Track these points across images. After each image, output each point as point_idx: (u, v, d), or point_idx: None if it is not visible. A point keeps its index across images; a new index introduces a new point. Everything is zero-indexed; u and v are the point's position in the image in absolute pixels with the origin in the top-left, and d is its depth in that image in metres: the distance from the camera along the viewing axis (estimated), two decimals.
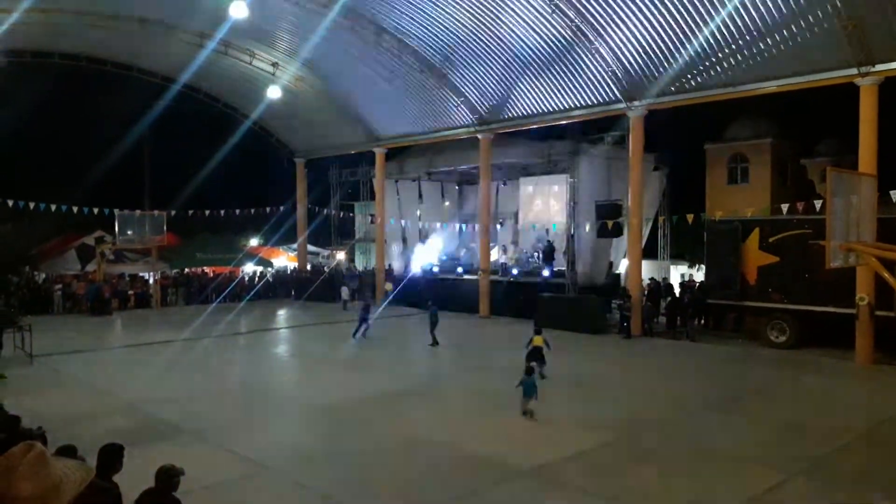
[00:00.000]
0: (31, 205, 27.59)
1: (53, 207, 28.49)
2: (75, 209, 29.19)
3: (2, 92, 31.24)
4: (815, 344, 18.37)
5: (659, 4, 17.85)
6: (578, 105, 22.64)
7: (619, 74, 20.68)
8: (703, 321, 22.34)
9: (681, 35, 18.19)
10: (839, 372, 16.03)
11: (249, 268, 36.23)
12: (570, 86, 22.18)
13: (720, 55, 18.40)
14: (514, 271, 27.02)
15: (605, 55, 20.28)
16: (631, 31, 19.13)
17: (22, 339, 17.06)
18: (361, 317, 20.22)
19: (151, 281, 30.72)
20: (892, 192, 18.86)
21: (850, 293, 16.72)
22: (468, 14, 21.11)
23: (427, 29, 22.63)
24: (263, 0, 21.95)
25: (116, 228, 28.18)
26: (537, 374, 12.50)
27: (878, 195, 13.48)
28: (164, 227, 29.31)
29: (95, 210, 29.24)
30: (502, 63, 22.65)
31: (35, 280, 29.95)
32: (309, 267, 36.28)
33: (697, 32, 17.77)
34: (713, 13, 17.19)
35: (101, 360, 17.75)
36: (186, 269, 34.09)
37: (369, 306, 20.48)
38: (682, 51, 18.42)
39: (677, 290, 24.06)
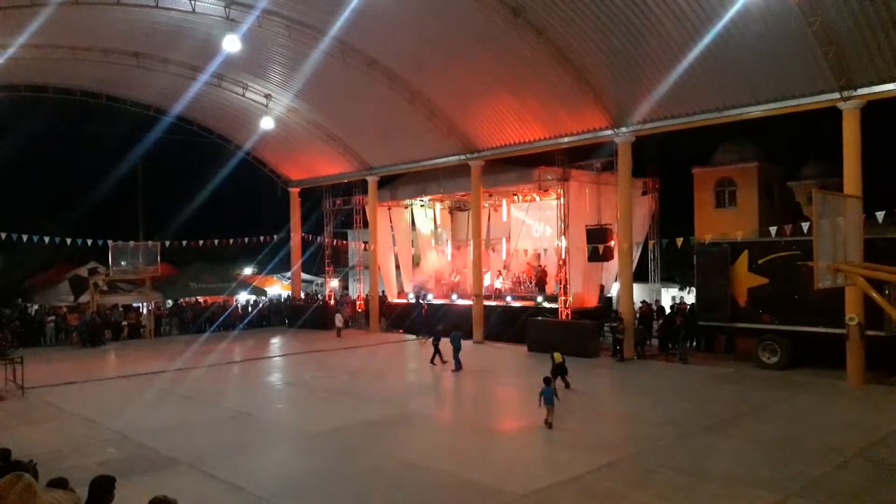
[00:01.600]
0: (25, 237, 27.54)
1: (47, 239, 28.45)
2: (69, 240, 29.15)
3: None
4: (806, 364, 18.47)
5: (642, 32, 18.23)
6: (566, 132, 22.97)
7: (605, 102, 21.04)
8: (694, 343, 22.43)
9: (665, 62, 18.54)
10: (832, 391, 16.09)
11: (243, 297, 36.19)
12: (558, 113, 22.49)
13: (704, 82, 18.76)
14: (508, 297, 27.15)
15: (592, 83, 20.66)
16: (616, 59, 19.50)
17: (13, 371, 16.94)
18: (436, 345, 20.36)
19: (145, 311, 30.61)
20: (877, 214, 19.12)
21: (840, 313, 16.84)
22: (456, 44, 21.45)
23: (416, 59, 22.96)
24: (257, 33, 22.30)
25: (110, 259, 28.19)
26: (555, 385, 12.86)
27: (863, 216, 13.68)
28: (158, 258, 29.31)
29: (89, 241, 29.22)
30: (491, 91, 22.97)
31: (27, 312, 29.80)
32: (303, 295, 36.27)
33: (681, 59, 18.11)
34: (697, 40, 17.53)
35: (94, 391, 17.64)
36: (181, 300, 34.00)
37: (439, 336, 20.56)
38: (667, 78, 18.75)
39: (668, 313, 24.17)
